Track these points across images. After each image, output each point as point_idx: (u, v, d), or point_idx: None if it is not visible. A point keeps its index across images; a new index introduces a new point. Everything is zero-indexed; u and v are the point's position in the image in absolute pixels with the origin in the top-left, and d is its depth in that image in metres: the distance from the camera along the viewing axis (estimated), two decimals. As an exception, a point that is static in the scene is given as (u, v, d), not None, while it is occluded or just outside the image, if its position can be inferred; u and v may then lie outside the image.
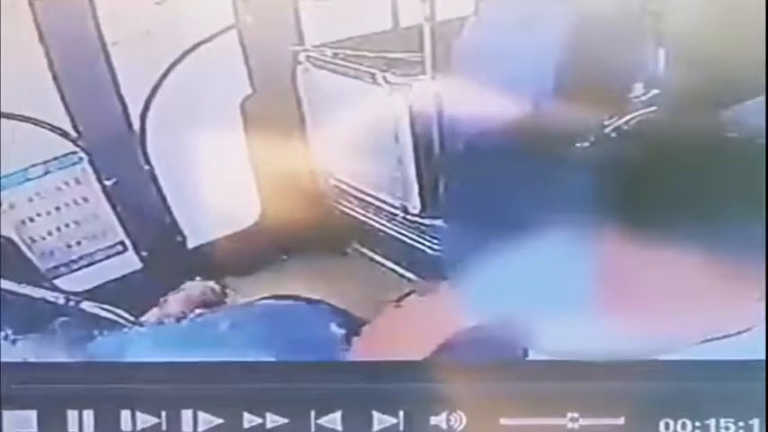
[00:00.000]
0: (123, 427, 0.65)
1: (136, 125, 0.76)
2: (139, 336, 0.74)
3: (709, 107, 0.69)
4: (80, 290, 0.76)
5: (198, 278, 0.76)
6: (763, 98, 0.68)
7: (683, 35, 0.70)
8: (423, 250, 0.78)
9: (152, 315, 0.75)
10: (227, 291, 0.75)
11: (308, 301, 0.74)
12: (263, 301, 0.75)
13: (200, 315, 0.75)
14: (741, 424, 0.65)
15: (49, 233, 0.76)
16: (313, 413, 0.65)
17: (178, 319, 0.75)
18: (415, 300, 0.76)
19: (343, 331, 0.73)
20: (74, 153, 0.76)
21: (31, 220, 0.75)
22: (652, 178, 0.68)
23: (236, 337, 0.73)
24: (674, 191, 0.67)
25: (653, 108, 0.72)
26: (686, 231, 0.65)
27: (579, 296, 0.67)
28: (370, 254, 0.80)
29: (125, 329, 0.74)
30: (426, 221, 0.77)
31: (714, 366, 0.65)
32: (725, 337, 0.66)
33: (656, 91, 0.72)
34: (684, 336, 0.66)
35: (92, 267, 0.77)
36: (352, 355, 0.71)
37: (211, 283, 0.76)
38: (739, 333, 0.66)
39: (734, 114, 0.69)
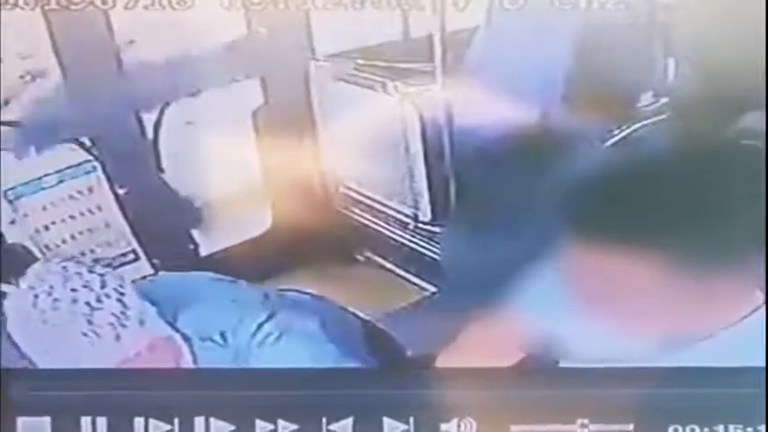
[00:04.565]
0: (136, 433, 0.66)
1: (149, 134, 0.76)
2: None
3: (718, 116, 0.69)
4: (93, 297, 0.76)
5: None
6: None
7: (693, 44, 0.70)
8: (433, 258, 0.78)
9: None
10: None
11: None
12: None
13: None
14: (750, 430, 0.65)
15: (63, 241, 0.77)
16: (324, 420, 0.65)
17: None
18: (429, 304, 0.76)
19: (353, 337, 0.73)
20: (87, 162, 0.76)
21: (46, 228, 0.76)
22: (662, 186, 0.68)
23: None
24: (684, 199, 0.67)
25: (662, 117, 0.72)
26: (698, 240, 0.65)
27: (593, 303, 0.67)
28: (381, 261, 0.81)
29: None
30: (437, 229, 0.77)
31: (723, 373, 0.65)
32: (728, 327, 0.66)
33: (665, 100, 0.73)
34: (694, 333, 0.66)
35: (105, 275, 0.78)
36: (363, 361, 0.71)
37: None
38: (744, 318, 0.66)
39: (743, 122, 0.69)
